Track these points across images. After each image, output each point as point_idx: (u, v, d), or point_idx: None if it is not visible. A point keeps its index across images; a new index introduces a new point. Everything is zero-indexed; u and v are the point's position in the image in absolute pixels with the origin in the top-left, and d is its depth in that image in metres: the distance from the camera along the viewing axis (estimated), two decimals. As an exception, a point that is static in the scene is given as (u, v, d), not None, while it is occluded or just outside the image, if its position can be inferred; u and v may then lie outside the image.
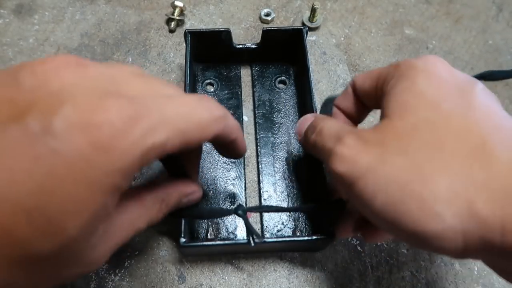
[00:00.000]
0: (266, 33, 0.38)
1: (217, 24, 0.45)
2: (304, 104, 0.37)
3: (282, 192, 0.35)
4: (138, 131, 0.17)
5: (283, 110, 0.39)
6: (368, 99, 0.26)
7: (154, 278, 0.31)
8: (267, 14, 0.45)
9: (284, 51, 0.40)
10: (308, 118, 0.28)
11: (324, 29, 0.45)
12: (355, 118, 0.28)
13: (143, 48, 0.42)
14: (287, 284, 0.31)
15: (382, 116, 0.22)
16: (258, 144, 0.37)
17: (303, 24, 0.44)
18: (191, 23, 0.45)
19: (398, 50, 0.43)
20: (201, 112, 0.20)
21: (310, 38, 0.44)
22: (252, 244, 0.27)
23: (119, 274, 0.31)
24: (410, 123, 0.20)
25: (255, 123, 0.38)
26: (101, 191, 0.16)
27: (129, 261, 0.32)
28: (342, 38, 0.44)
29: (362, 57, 0.43)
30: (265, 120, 0.38)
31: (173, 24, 0.43)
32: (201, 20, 0.45)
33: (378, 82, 0.24)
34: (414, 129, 0.20)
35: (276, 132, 0.37)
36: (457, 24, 0.46)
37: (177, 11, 0.43)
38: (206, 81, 0.40)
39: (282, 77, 0.40)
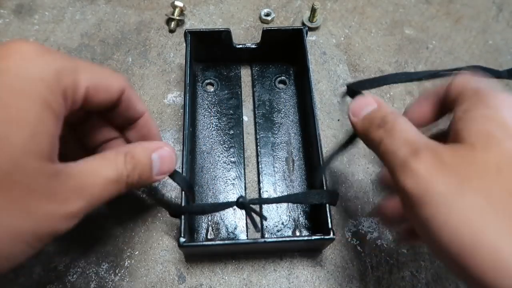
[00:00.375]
0: (266, 33, 0.38)
1: (217, 24, 0.45)
2: (304, 104, 0.37)
3: (282, 192, 0.35)
4: (50, 56, 0.20)
5: (283, 110, 0.39)
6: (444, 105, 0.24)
7: (154, 278, 0.31)
8: (267, 14, 0.45)
9: (284, 51, 0.40)
10: (369, 101, 0.24)
11: (324, 29, 0.45)
12: (422, 123, 0.26)
13: (143, 48, 0.42)
14: (287, 284, 0.31)
15: (456, 137, 0.20)
16: (258, 144, 0.37)
17: (303, 24, 0.44)
18: (191, 23, 0.45)
19: (398, 50, 0.43)
20: (106, 69, 0.24)
21: (310, 38, 0.44)
22: (257, 229, 0.27)
23: (119, 274, 0.31)
24: (495, 158, 0.19)
25: (255, 123, 0.38)
26: (29, 98, 0.18)
27: (129, 261, 0.32)
28: (342, 38, 0.44)
29: (362, 57, 0.43)
30: (265, 120, 0.38)
31: (173, 24, 0.43)
32: (201, 20, 0.45)
33: (449, 93, 0.22)
34: (499, 167, 0.18)
35: (276, 132, 0.37)
36: (457, 24, 0.46)
37: (177, 11, 0.43)
38: (206, 81, 0.40)
39: (282, 77, 0.40)
